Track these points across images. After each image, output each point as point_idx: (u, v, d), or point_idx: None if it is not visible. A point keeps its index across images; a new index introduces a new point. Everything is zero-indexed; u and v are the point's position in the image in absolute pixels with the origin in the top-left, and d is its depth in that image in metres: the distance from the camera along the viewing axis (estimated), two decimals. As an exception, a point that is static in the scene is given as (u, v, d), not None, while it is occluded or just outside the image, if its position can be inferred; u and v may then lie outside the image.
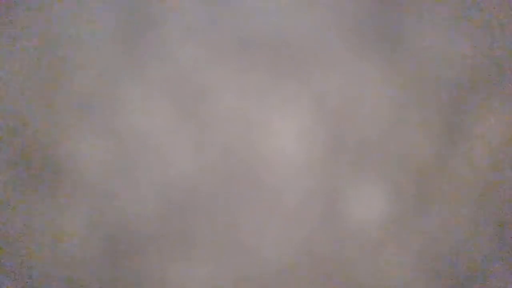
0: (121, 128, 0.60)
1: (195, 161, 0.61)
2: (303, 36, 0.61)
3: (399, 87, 0.61)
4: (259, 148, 0.61)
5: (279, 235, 0.61)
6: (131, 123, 0.60)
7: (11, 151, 0.60)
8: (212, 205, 0.61)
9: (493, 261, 0.63)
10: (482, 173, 0.62)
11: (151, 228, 0.61)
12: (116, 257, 0.61)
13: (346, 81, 0.61)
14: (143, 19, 0.61)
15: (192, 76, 0.61)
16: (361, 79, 0.61)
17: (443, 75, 0.62)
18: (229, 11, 0.61)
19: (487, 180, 0.62)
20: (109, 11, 0.61)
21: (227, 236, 0.61)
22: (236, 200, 0.61)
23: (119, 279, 0.61)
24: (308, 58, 0.61)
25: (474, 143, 0.62)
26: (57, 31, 0.60)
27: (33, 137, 0.60)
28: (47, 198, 0.60)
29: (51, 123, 0.60)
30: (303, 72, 0.61)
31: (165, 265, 0.61)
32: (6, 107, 0.60)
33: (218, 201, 0.61)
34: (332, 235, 0.61)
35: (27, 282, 0.61)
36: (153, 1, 0.61)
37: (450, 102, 0.62)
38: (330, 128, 0.61)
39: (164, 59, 0.60)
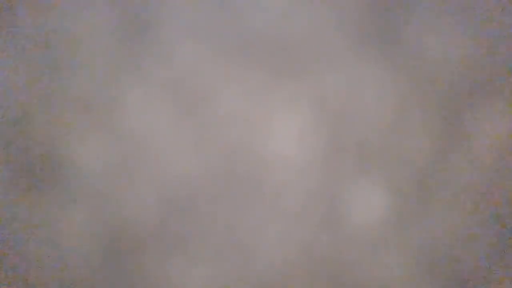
0: (121, 128, 0.60)
1: (195, 161, 0.61)
2: (303, 36, 0.61)
3: (399, 87, 0.61)
4: (259, 148, 0.61)
5: (280, 235, 0.61)
6: (131, 123, 0.60)
7: (11, 151, 0.60)
8: (212, 205, 0.61)
9: (494, 261, 0.63)
10: (482, 173, 0.62)
11: (151, 228, 0.61)
12: (116, 257, 0.61)
13: (346, 81, 0.61)
14: (143, 19, 0.61)
15: (192, 76, 0.61)
16: (361, 79, 0.61)
17: (443, 75, 0.62)
18: (229, 11, 0.61)
19: (487, 180, 0.62)
20: (109, 11, 0.61)
21: (227, 237, 0.61)
22: (236, 201, 0.61)
23: (119, 278, 0.61)
24: (308, 58, 0.61)
25: (474, 143, 0.62)
26: (57, 31, 0.60)
27: (33, 137, 0.60)
28: (47, 198, 0.60)
29: (51, 123, 0.60)
30: (303, 72, 0.61)
31: (165, 265, 0.61)
32: (6, 107, 0.60)
33: (218, 202, 0.61)
34: (332, 236, 0.61)
35: (27, 282, 0.61)
36: (153, 1, 0.61)
37: (450, 102, 0.62)
38: (330, 128, 0.61)
39: (164, 59, 0.60)
